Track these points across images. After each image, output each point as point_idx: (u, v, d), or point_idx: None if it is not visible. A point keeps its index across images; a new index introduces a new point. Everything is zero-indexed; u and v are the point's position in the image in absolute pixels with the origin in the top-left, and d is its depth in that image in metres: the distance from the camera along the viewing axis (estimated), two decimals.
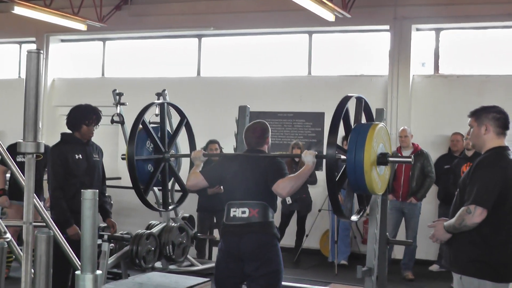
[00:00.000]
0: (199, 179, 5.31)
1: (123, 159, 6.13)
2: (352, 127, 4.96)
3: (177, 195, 7.49)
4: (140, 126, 6.10)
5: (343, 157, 4.81)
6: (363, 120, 5.29)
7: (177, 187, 7.25)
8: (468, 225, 4.15)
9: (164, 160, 5.96)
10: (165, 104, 6.26)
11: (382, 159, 4.77)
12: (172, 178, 6.89)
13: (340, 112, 4.68)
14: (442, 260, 9.56)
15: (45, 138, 10.57)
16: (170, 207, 6.69)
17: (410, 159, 5.38)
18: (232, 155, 5.76)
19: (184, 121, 6.36)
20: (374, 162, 4.64)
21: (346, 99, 4.85)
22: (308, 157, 5.00)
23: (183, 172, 6.65)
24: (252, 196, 5.04)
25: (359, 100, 5.13)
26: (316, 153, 5.09)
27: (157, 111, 8.79)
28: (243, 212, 5.02)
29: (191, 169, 5.69)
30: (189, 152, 6.28)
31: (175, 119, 8.85)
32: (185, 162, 6.93)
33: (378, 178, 4.76)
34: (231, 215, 5.08)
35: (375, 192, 4.83)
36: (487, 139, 4.35)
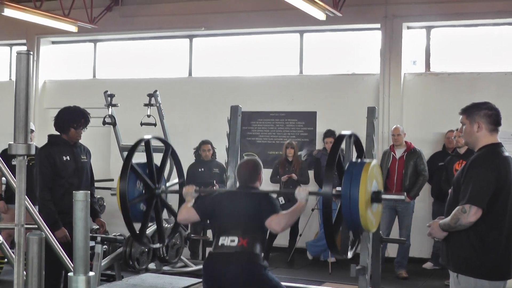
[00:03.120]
0: (190, 214, 5.23)
1: (112, 195, 6.08)
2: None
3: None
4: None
5: (338, 188, 4.81)
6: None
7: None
8: (464, 224, 4.15)
9: (155, 196, 5.97)
10: (150, 140, 6.22)
11: (376, 197, 4.81)
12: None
13: (336, 151, 4.69)
14: (439, 258, 9.59)
15: (36, 140, 10.53)
16: (166, 240, 6.66)
17: (402, 197, 5.38)
18: (225, 192, 5.72)
19: (169, 151, 6.32)
20: (368, 201, 4.68)
21: (340, 138, 4.85)
22: (302, 194, 4.99)
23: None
24: (243, 227, 4.94)
25: (351, 137, 5.13)
26: (310, 190, 5.15)
27: (149, 112, 8.82)
28: (232, 241, 4.89)
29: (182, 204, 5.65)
30: (178, 180, 6.27)
31: (169, 118, 8.87)
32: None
33: (372, 215, 4.80)
34: (219, 243, 4.94)
35: (369, 230, 4.87)
36: (480, 137, 4.34)
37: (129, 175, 5.59)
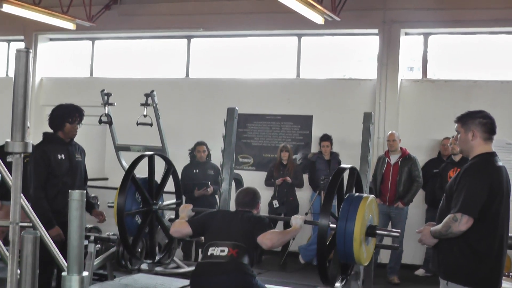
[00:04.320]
0: (183, 226, 5.28)
1: (109, 207, 6.08)
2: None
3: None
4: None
5: (332, 225, 4.84)
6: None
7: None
8: (455, 232, 4.16)
9: (152, 212, 5.96)
10: (153, 156, 6.24)
11: (371, 231, 4.88)
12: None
13: (335, 184, 4.78)
14: (429, 264, 9.59)
15: (32, 137, 10.51)
16: (157, 258, 6.66)
17: (397, 234, 5.43)
18: (221, 211, 5.75)
19: (171, 170, 6.32)
20: (363, 236, 4.75)
21: (340, 171, 4.91)
22: (298, 220, 5.14)
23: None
24: (234, 238, 4.96)
25: (351, 170, 5.17)
26: (305, 218, 5.25)
27: (145, 112, 8.82)
28: (222, 251, 4.89)
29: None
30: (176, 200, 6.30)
31: (165, 118, 8.86)
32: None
33: (365, 249, 4.84)
34: (209, 253, 4.94)
35: (361, 263, 4.93)
36: (474, 145, 4.35)
37: (129, 186, 5.62)
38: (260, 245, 4.99)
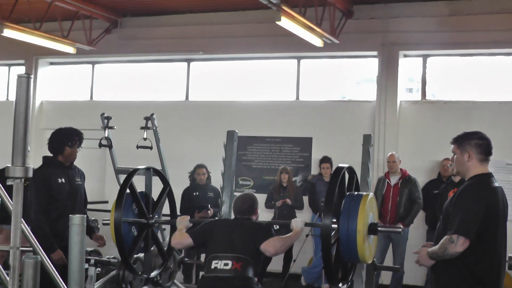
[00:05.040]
0: (184, 237, 5.26)
1: (104, 224, 6.08)
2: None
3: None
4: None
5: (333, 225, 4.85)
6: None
7: None
8: (451, 253, 4.16)
9: (148, 226, 5.96)
10: (151, 170, 6.26)
11: (372, 229, 4.88)
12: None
13: (335, 183, 4.78)
14: (428, 285, 9.56)
15: (32, 161, 10.52)
16: (152, 274, 6.65)
17: (399, 230, 5.44)
18: (220, 220, 5.76)
19: (167, 189, 6.34)
20: (366, 233, 4.76)
21: (339, 170, 4.90)
22: (298, 223, 5.12)
23: None
24: (237, 251, 4.94)
25: (349, 169, 5.19)
26: (306, 221, 5.23)
27: (145, 135, 8.82)
28: (226, 264, 4.88)
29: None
30: (173, 215, 6.31)
31: (165, 141, 8.89)
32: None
33: (368, 247, 4.85)
34: (212, 267, 4.92)
35: (366, 261, 4.93)
36: (470, 166, 4.36)
37: (126, 197, 5.61)
38: (263, 253, 4.99)
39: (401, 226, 9.36)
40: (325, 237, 4.60)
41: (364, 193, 5.11)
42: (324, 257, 4.63)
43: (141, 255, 7.46)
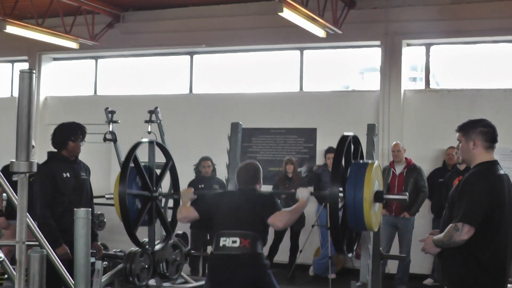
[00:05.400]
0: (190, 212, 5.29)
1: (107, 198, 6.07)
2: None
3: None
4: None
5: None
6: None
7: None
8: (456, 241, 4.16)
9: (152, 199, 5.96)
10: (154, 142, 6.25)
11: (378, 197, 4.89)
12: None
13: (341, 152, 4.79)
14: (435, 273, 9.57)
15: (37, 157, 10.54)
16: (156, 247, 6.65)
17: (405, 197, 5.44)
18: (225, 192, 5.77)
19: (170, 163, 6.34)
20: (372, 200, 4.74)
21: (344, 138, 4.92)
22: (304, 193, 5.13)
23: None
24: (244, 226, 4.98)
25: (354, 138, 5.19)
26: (311, 190, 5.18)
27: (149, 128, 8.83)
28: (234, 242, 4.94)
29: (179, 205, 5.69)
30: (176, 190, 6.31)
31: (169, 134, 8.90)
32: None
33: (374, 215, 4.85)
34: (221, 244, 4.99)
35: (372, 229, 4.93)
36: (475, 154, 4.35)
37: (130, 170, 5.62)
38: (271, 226, 5.04)
39: (407, 214, 9.38)
40: (332, 204, 4.62)
41: (370, 161, 5.11)
42: (332, 225, 4.64)
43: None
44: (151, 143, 6.16)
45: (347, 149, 4.93)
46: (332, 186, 4.66)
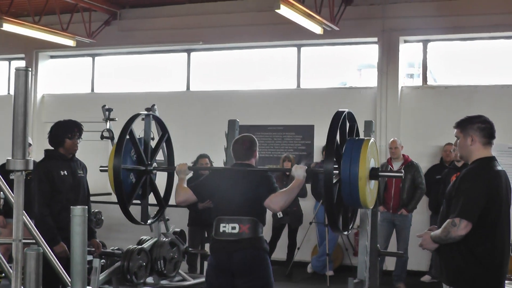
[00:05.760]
0: (188, 195, 5.30)
1: (101, 171, 6.02)
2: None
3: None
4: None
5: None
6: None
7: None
8: (454, 237, 4.16)
9: (146, 172, 5.93)
10: (150, 115, 6.21)
11: (373, 174, 4.82)
12: None
13: (336, 127, 4.73)
14: (433, 270, 9.58)
15: (34, 154, 10.53)
16: (148, 221, 6.61)
17: (400, 174, 5.42)
18: (220, 169, 5.76)
19: (165, 136, 6.30)
20: (367, 176, 4.68)
21: (339, 114, 4.84)
22: (299, 171, 5.01)
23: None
24: (243, 211, 5.02)
25: (349, 115, 5.14)
26: (306, 167, 5.10)
27: None
28: (233, 228, 4.99)
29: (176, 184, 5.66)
30: (170, 162, 6.28)
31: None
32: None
33: (370, 192, 4.81)
34: (221, 230, 5.05)
35: (367, 206, 4.87)
36: (473, 150, 4.35)
37: (125, 143, 5.60)
38: (268, 209, 5.08)
39: (404, 211, 9.38)
40: (327, 181, 4.54)
41: (366, 138, 5.09)
42: (327, 202, 4.61)
43: (145, 245, 7.50)
44: (147, 116, 6.13)
45: (342, 125, 4.87)
46: (326, 162, 4.58)
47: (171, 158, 6.44)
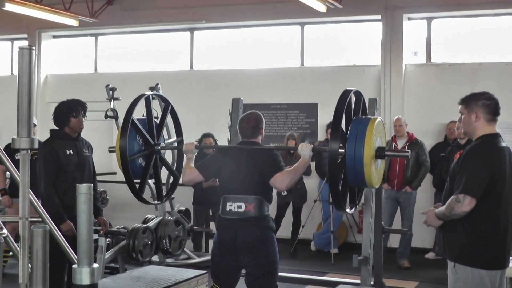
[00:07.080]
0: (195, 175, 5.31)
1: (110, 151, 6.00)
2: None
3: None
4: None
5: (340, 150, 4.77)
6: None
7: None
8: (458, 213, 4.17)
9: (154, 152, 5.92)
10: (150, 96, 6.18)
11: (380, 153, 4.79)
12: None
13: (342, 106, 4.67)
14: (436, 247, 9.61)
15: (39, 134, 10.56)
16: (165, 199, 6.61)
17: (407, 153, 5.39)
18: (226, 148, 5.75)
19: (168, 108, 6.28)
20: (373, 156, 4.65)
21: (346, 93, 4.81)
22: (305, 150, 4.99)
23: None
24: (248, 190, 5.04)
25: (356, 94, 5.11)
26: (312, 146, 5.06)
27: None
28: (239, 207, 5.03)
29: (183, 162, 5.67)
30: (176, 138, 6.28)
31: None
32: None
33: (375, 172, 4.79)
34: (227, 209, 5.08)
35: (373, 186, 4.83)
36: (477, 126, 4.34)
37: (129, 130, 5.59)
38: (273, 188, 5.10)
39: (409, 189, 9.40)
40: (332, 161, 4.50)
41: (372, 116, 5.05)
42: (331, 183, 4.59)
43: (150, 224, 7.53)
44: (147, 99, 6.09)
45: (348, 104, 4.81)
46: (332, 142, 4.52)
47: (178, 128, 6.41)
